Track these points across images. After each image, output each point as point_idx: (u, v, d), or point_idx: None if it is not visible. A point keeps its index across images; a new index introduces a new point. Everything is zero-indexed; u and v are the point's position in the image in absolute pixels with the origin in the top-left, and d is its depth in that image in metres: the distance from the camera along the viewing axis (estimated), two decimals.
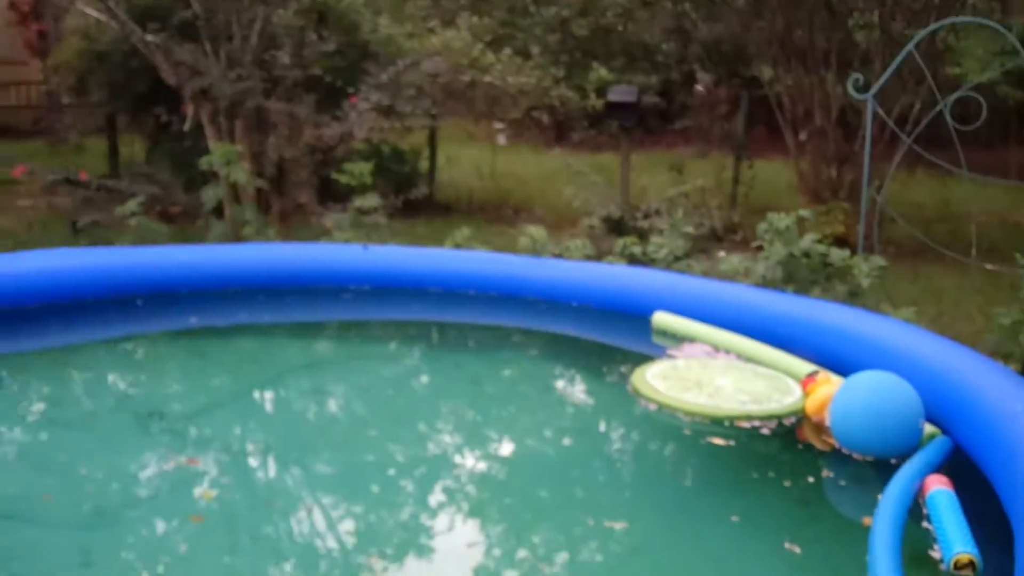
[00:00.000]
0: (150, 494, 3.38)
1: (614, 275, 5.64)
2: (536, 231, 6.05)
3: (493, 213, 10.18)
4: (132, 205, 7.12)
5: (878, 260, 5.10)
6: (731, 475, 3.68)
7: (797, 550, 3.10)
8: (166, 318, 5.52)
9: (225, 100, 8.34)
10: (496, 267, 5.83)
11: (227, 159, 7.37)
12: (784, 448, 3.92)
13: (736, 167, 9.63)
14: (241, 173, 7.43)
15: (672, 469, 3.83)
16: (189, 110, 8.66)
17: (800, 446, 3.95)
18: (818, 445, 3.94)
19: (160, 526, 3.13)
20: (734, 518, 3.30)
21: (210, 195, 7.48)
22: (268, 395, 4.56)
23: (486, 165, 11.60)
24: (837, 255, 5.12)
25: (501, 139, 13.07)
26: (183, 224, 8.39)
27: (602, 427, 4.30)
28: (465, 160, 12.18)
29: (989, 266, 5.30)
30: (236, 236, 7.35)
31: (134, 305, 5.51)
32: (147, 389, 4.58)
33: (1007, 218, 9.70)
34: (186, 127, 8.67)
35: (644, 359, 4.77)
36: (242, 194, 7.98)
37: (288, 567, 2.89)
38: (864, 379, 3.82)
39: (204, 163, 7.58)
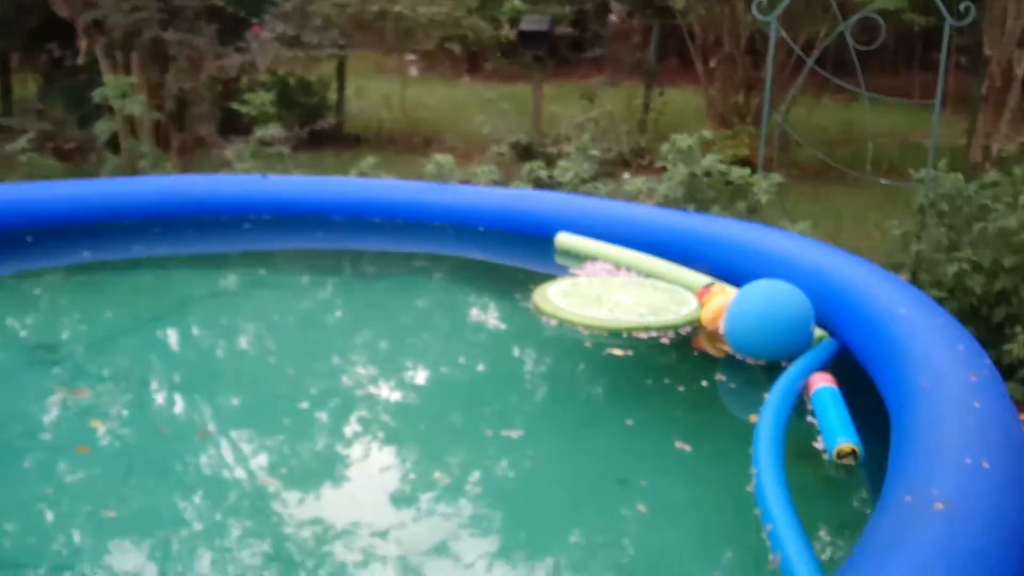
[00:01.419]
0: (38, 427, 3.28)
1: (518, 198, 5.62)
2: (442, 158, 5.98)
3: (403, 144, 10.05)
4: (22, 142, 6.87)
5: (776, 177, 5.18)
6: (628, 384, 3.74)
7: (687, 448, 3.18)
8: (57, 254, 5.33)
9: (119, 31, 8.00)
10: (400, 194, 5.76)
11: (121, 91, 7.10)
12: (680, 357, 3.99)
13: (647, 95, 9.65)
14: (137, 106, 7.17)
15: (573, 381, 3.87)
16: (83, 44, 8.30)
17: (695, 354, 4.02)
18: (713, 352, 4.02)
19: (49, 458, 3.06)
20: (628, 422, 3.37)
21: (103, 129, 7.22)
22: (169, 328, 4.44)
23: (397, 96, 11.42)
24: (737, 173, 5.18)
25: (413, 70, 12.86)
26: (79, 161, 8.10)
27: (507, 347, 4.32)
28: (376, 92, 11.96)
29: (884, 180, 5.43)
30: (132, 170, 7.12)
31: (23, 242, 5.31)
32: (38, 324, 4.43)
33: (908, 138, 9.95)
34: (80, 61, 8.31)
35: (548, 279, 4.79)
36: (139, 128, 7.71)
37: (197, 498, 2.80)
38: (756, 287, 3.89)
39: (97, 95, 7.29)
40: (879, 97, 6.25)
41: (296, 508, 2.76)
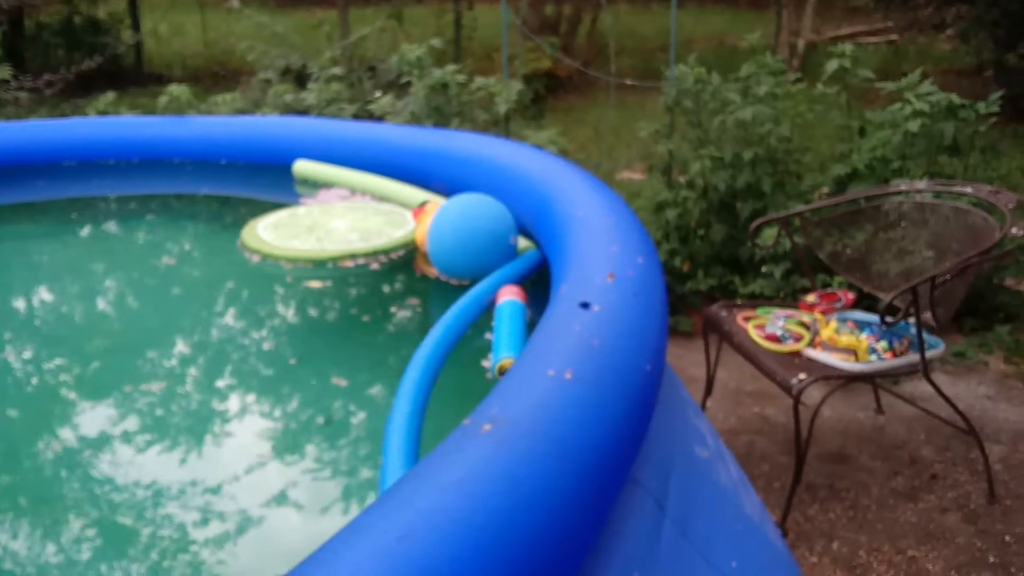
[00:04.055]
0: None
1: (255, 126, 5.27)
2: (177, 88, 5.55)
3: (210, 80, 9.50)
4: None
5: (516, 85, 4.93)
6: (311, 318, 3.50)
7: (343, 383, 2.97)
8: None
9: None
10: (131, 130, 5.34)
11: None
12: (385, 284, 3.77)
13: (457, 11, 9.27)
14: None
15: (256, 321, 3.61)
16: None
17: (399, 279, 3.81)
18: (430, 275, 3.80)
19: None
20: (292, 360, 3.15)
21: None
22: None
23: (211, 30, 10.78)
24: (479, 83, 4.91)
25: (234, 2, 12.18)
26: None
27: (200, 288, 4.00)
28: (191, 25, 11.30)
29: (629, 81, 5.23)
30: None
31: None
32: None
33: (724, 41, 9.83)
34: None
35: (273, 211, 4.49)
36: None
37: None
38: (451, 204, 3.68)
39: None
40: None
41: None
